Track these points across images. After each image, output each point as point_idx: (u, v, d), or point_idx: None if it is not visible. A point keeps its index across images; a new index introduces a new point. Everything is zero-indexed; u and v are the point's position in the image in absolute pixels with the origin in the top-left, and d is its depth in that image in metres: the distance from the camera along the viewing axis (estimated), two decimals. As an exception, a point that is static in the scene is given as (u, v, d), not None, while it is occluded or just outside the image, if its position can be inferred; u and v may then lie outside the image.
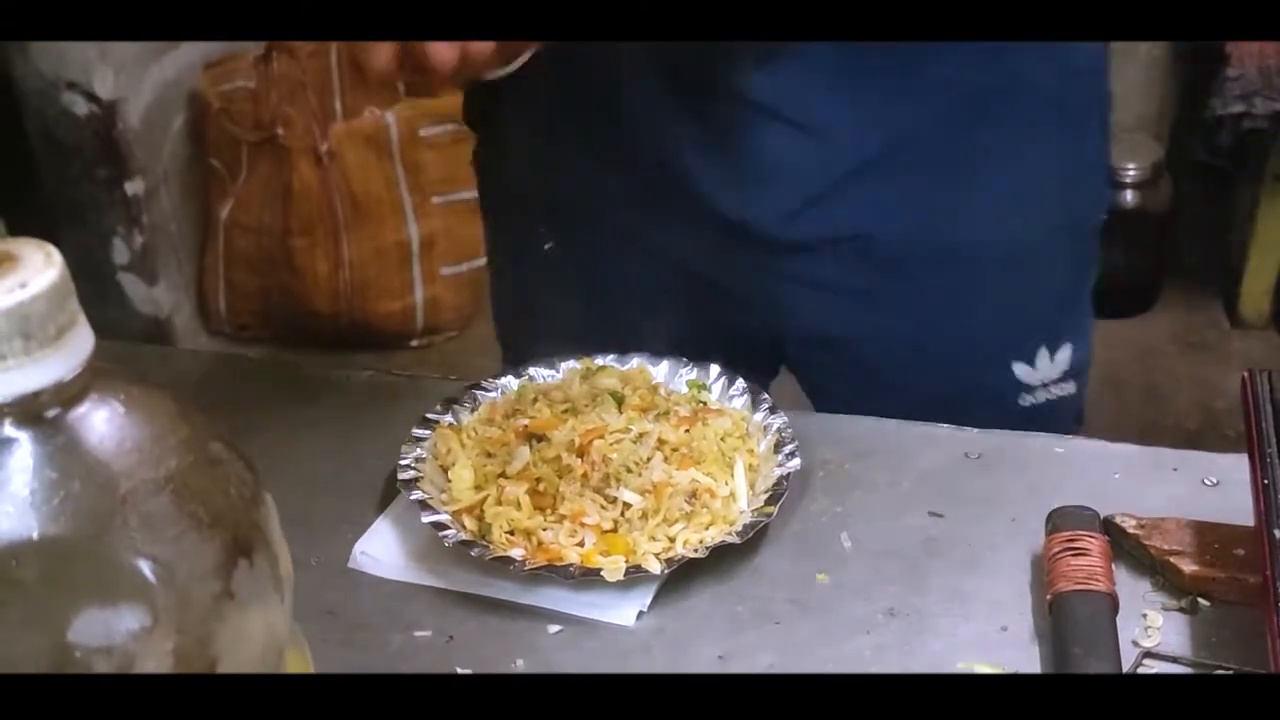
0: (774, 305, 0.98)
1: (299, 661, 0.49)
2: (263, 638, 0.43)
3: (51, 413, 0.39)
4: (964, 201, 0.91)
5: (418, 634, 0.75)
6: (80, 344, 0.40)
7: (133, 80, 2.29)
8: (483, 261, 2.68)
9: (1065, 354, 0.96)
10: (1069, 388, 0.97)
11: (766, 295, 0.97)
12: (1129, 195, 2.54)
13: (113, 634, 0.39)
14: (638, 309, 0.99)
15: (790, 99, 0.88)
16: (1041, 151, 0.91)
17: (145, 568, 0.39)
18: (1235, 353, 2.55)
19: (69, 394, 0.39)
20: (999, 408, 0.95)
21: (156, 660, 0.40)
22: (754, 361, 0.96)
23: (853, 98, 0.88)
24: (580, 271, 1.02)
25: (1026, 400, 0.96)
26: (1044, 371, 0.95)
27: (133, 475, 0.40)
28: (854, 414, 0.91)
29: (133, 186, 2.33)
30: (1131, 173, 2.54)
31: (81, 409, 0.40)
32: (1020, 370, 0.95)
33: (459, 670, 0.72)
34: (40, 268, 0.39)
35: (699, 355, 0.91)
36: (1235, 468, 0.82)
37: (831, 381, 1.02)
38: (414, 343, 2.59)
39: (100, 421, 0.40)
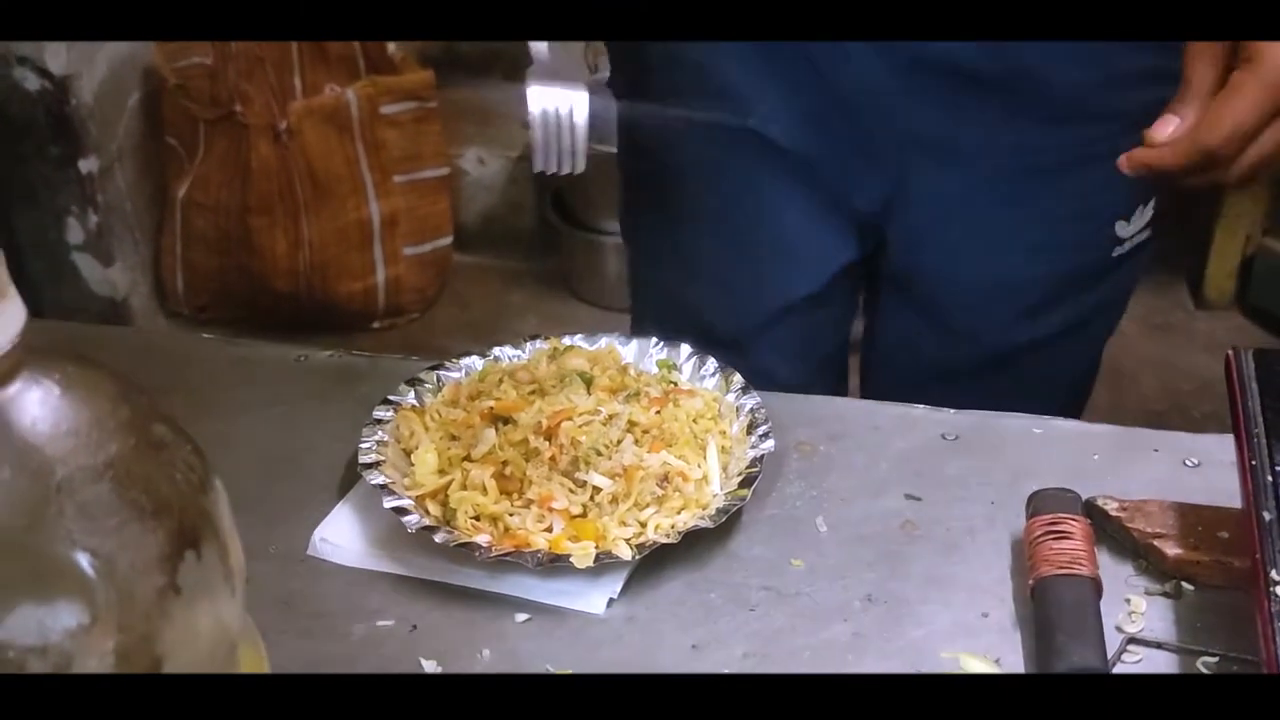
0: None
1: (253, 658, 0.46)
2: (212, 634, 0.41)
3: (-22, 393, 0.36)
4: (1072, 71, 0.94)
5: (380, 623, 0.72)
6: (9, 321, 0.37)
7: (86, 55, 2.23)
8: (446, 241, 2.64)
9: (1151, 206, 1.04)
10: (1147, 234, 1.05)
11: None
12: (1095, 176, 2.53)
13: (48, 632, 0.36)
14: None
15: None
16: None
17: (83, 561, 0.37)
18: (1200, 334, 2.55)
19: (-2, 373, 0.36)
20: (1098, 261, 1.04)
21: (97, 660, 0.37)
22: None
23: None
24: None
25: (1117, 251, 1.04)
26: (1135, 224, 1.03)
27: (69, 461, 0.37)
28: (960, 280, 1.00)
29: (87, 164, 2.27)
30: (1098, 153, 2.53)
31: (11, 389, 0.37)
32: (1119, 226, 1.02)
33: (422, 660, 0.70)
34: (-36, 237, 0.36)
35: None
36: (1217, 448, 0.80)
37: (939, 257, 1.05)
38: (376, 324, 2.56)
39: (33, 403, 0.37)
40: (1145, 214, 1.04)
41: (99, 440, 0.38)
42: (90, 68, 2.26)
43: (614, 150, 1.12)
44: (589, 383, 0.84)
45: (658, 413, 0.82)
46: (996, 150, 0.99)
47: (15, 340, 0.37)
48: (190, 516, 0.40)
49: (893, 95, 0.96)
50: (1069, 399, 1.13)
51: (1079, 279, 1.06)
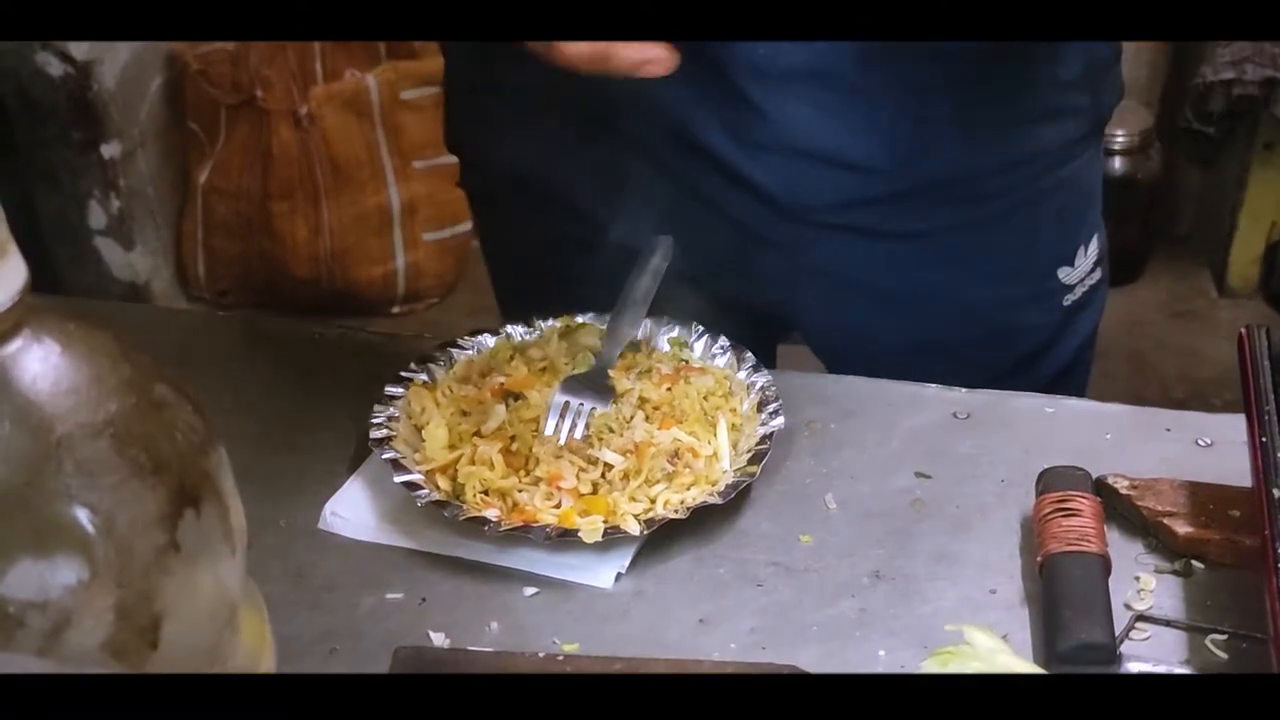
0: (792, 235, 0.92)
1: (254, 620, 0.46)
2: (212, 594, 0.41)
3: (-21, 350, 0.36)
4: (994, 134, 0.89)
5: (389, 596, 0.73)
6: (10, 278, 0.37)
7: (108, 41, 2.25)
8: (466, 227, 2.65)
9: (1095, 244, 0.97)
10: (1097, 275, 0.98)
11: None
12: (1118, 163, 2.51)
13: (48, 588, 0.37)
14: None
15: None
16: (1061, 65, 0.89)
17: (82, 517, 0.37)
18: (1223, 322, 2.54)
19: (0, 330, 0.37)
20: (1046, 313, 0.96)
21: (95, 617, 0.37)
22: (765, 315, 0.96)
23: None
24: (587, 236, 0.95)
25: (1068, 299, 0.96)
26: (1081, 268, 0.97)
27: (69, 418, 0.37)
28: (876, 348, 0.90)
29: (109, 149, 2.29)
30: (1121, 140, 2.51)
31: (12, 347, 0.37)
32: (1064, 273, 0.96)
33: (431, 633, 0.70)
34: (-36, 193, 0.36)
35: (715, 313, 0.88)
36: (1230, 428, 0.80)
37: (860, 318, 0.96)
38: (395, 309, 2.56)
39: (33, 360, 0.37)
40: (1089, 254, 0.96)
41: (99, 398, 0.38)
42: (113, 53, 2.27)
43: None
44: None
45: (669, 390, 0.82)
46: (904, 222, 0.90)
47: (16, 297, 0.37)
48: (190, 476, 0.40)
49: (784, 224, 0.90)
50: None
51: (1030, 339, 0.97)
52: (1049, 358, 0.98)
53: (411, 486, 0.76)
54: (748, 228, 0.91)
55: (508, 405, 0.80)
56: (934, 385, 0.87)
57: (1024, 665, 0.60)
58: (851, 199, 0.89)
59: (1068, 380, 0.99)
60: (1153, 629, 0.68)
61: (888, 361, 0.91)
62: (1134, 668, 0.64)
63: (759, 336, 0.92)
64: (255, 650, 0.46)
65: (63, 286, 2.30)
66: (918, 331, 0.95)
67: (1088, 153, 0.96)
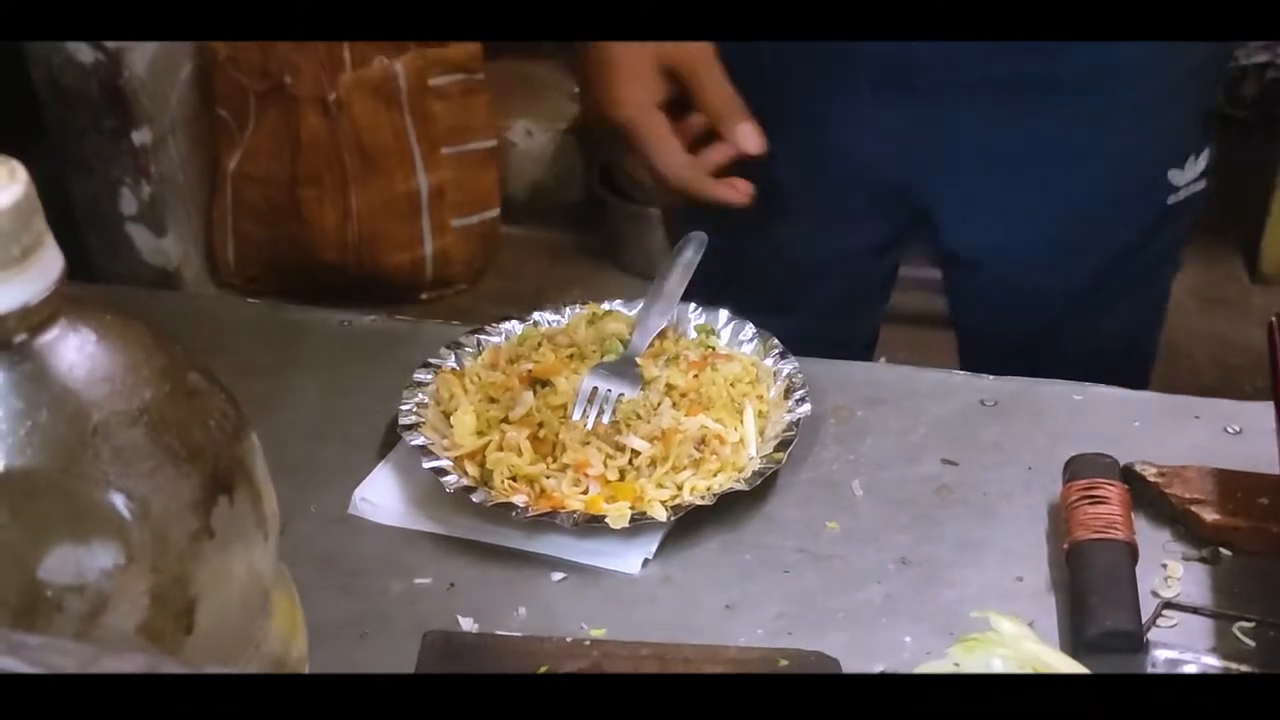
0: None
1: (286, 605, 0.47)
2: (245, 578, 0.41)
3: (17, 339, 0.37)
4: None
5: (418, 581, 0.73)
6: (48, 267, 0.38)
7: (139, 28, 2.25)
8: (494, 213, 2.64)
9: (1205, 156, 1.05)
10: (1201, 185, 1.06)
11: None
12: (1149, 147, 2.49)
13: (85, 572, 0.37)
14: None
15: None
16: None
17: (118, 502, 0.37)
18: (1255, 308, 2.51)
19: (36, 319, 0.37)
20: (1151, 207, 1.05)
21: (131, 600, 0.38)
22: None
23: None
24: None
25: (1171, 199, 1.04)
26: (1189, 173, 1.04)
27: (104, 405, 0.38)
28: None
29: (140, 136, 2.30)
30: (1152, 124, 2.49)
31: (50, 335, 0.38)
32: (1173, 174, 1.03)
33: (460, 618, 0.71)
34: (2, 183, 0.36)
35: None
36: (1259, 415, 0.79)
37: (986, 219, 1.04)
38: (423, 295, 2.57)
39: (70, 349, 0.38)
40: (1198, 164, 1.04)
41: (134, 386, 0.39)
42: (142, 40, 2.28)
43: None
44: (627, 347, 0.84)
45: (696, 377, 0.83)
46: (1039, 117, 0.97)
47: (53, 287, 0.38)
48: (223, 462, 0.40)
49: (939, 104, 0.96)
50: (1137, 364, 1.13)
51: (1135, 228, 1.05)
52: (1148, 250, 1.06)
53: (440, 472, 0.76)
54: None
55: (535, 392, 0.81)
56: (961, 373, 0.87)
57: (1050, 652, 0.60)
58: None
59: (1153, 278, 1.10)
60: (1180, 616, 0.68)
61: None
62: (1161, 655, 0.64)
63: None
64: (287, 634, 0.47)
65: (95, 273, 2.32)
66: (1037, 226, 1.02)
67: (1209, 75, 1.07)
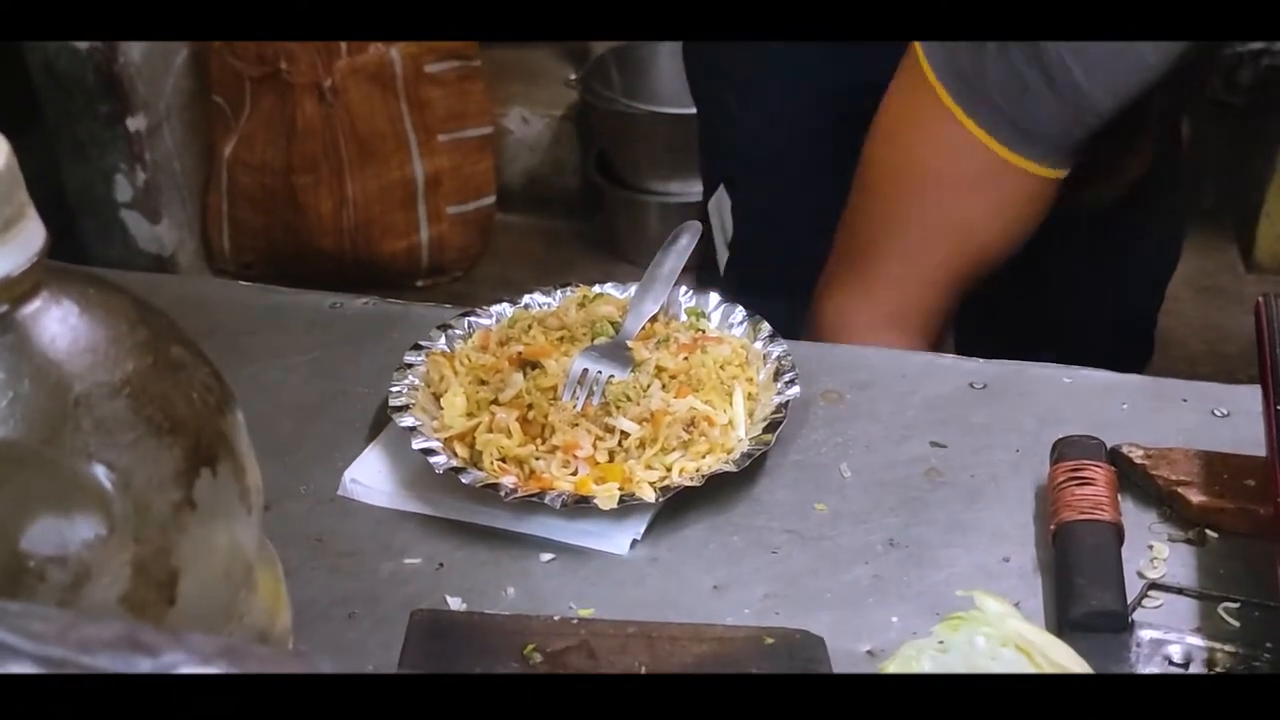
0: None
1: (270, 580, 0.47)
2: (228, 551, 0.42)
3: (-1, 309, 0.37)
4: None
5: (407, 561, 0.74)
6: (30, 239, 0.38)
7: (134, 14, 2.25)
8: (490, 200, 2.64)
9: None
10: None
11: None
12: (1145, 136, 2.49)
13: (67, 543, 0.38)
14: None
15: None
16: None
17: (100, 474, 0.38)
18: (1250, 297, 2.50)
19: (18, 290, 0.37)
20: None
21: (114, 572, 0.38)
22: None
23: None
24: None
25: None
26: None
27: (86, 377, 0.38)
28: None
29: (135, 122, 2.30)
30: (1148, 113, 2.49)
31: (32, 307, 0.38)
32: None
33: (448, 597, 0.71)
34: (-17, 155, 0.37)
35: None
36: (1247, 398, 0.80)
37: None
38: (419, 283, 2.57)
39: (53, 320, 0.38)
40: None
41: (116, 358, 0.39)
42: (138, 26, 2.28)
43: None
44: (618, 329, 0.85)
45: (686, 359, 0.83)
46: None
47: (35, 258, 0.38)
48: (206, 435, 0.40)
49: None
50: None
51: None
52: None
53: (429, 453, 0.76)
54: None
55: (525, 374, 0.81)
56: (950, 356, 0.88)
57: (1034, 630, 0.60)
58: None
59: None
60: (1165, 597, 0.68)
61: None
62: (1146, 635, 0.64)
63: None
64: (271, 609, 0.47)
65: (90, 259, 2.32)
66: None
67: None
